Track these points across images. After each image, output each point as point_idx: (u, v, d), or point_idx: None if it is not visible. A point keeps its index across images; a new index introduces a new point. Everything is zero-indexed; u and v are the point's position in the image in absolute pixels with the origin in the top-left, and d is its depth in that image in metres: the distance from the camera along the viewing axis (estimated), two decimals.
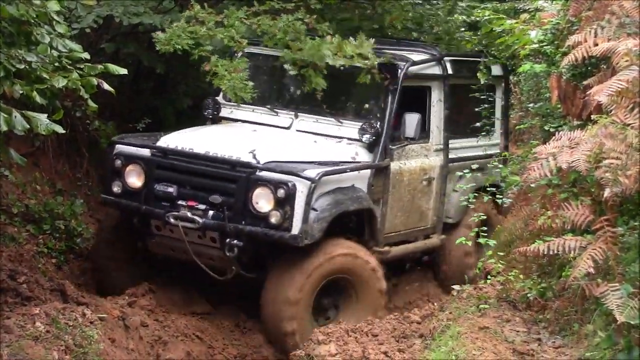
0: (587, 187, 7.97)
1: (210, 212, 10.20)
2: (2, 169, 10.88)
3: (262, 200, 10.01)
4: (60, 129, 7.90)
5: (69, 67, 7.48)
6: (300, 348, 9.72)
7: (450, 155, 12.49)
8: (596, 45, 7.93)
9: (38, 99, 7.52)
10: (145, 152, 10.69)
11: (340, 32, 12.35)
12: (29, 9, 7.06)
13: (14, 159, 7.71)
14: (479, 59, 13.15)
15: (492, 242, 10.12)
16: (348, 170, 10.70)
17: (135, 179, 10.56)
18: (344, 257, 10.40)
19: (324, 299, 10.63)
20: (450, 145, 12.48)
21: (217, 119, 12.09)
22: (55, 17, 7.36)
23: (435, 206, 12.32)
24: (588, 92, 7.89)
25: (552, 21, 9.84)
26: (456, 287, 10.22)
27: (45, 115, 7.84)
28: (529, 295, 8.70)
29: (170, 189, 10.31)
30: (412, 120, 11.28)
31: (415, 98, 11.86)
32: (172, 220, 10.19)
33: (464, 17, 15.49)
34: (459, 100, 12.75)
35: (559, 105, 9.17)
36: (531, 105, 11.71)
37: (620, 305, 6.66)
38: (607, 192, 6.94)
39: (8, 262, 9.03)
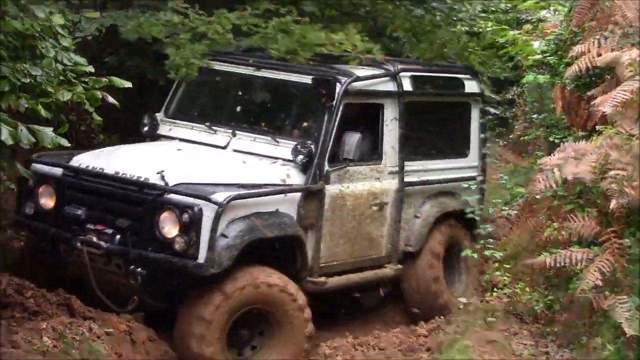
0: (593, 198, 7.95)
1: (117, 237, 9.26)
2: (8, 182, 10.86)
3: (168, 225, 9.09)
4: (65, 142, 7.88)
5: (73, 80, 7.48)
6: None
7: (412, 179, 11.43)
8: (600, 55, 7.90)
9: (43, 112, 7.52)
10: (58, 171, 9.91)
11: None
12: (33, 23, 7.08)
13: (20, 172, 7.68)
14: (445, 74, 12.31)
15: (498, 254, 10.09)
16: (265, 194, 9.64)
17: (47, 200, 9.84)
18: (260, 288, 9.29)
19: (241, 331, 9.55)
20: (412, 168, 11.40)
21: (155, 137, 11.20)
22: (60, 31, 7.37)
23: (390, 233, 11.15)
24: (592, 103, 7.87)
25: (555, 32, 9.82)
26: (462, 298, 10.22)
27: (51, 128, 7.82)
28: (536, 308, 8.68)
29: (79, 211, 9.50)
30: (352, 139, 10.28)
31: (366, 117, 11.09)
32: (78, 244, 9.37)
33: (466, 27, 15.47)
34: (423, 118, 11.75)
35: (564, 116, 9.14)
36: (535, 116, 11.64)
37: (628, 318, 6.65)
38: (613, 204, 6.92)
39: (14, 277, 9.00)
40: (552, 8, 10.65)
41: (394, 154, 11.08)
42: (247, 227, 9.20)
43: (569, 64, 8.54)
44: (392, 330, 10.58)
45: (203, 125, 10.82)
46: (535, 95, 11.19)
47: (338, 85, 10.45)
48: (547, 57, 9.85)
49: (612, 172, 6.92)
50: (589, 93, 8.39)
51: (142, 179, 9.35)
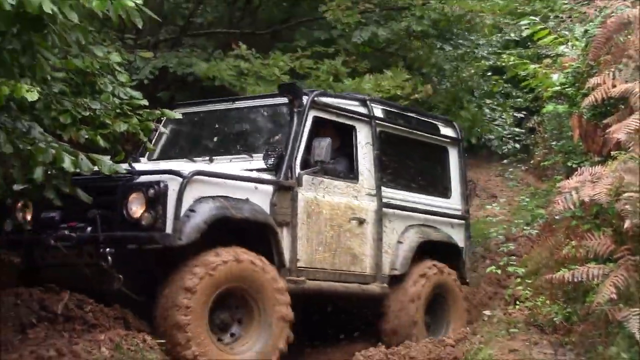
0: (608, 218, 7.93)
1: (88, 228, 8.75)
2: None
3: (135, 205, 8.64)
4: (122, 170, 8.00)
5: (129, 113, 7.54)
6: None
7: (393, 203, 11.15)
8: (614, 86, 7.92)
9: (102, 142, 7.61)
10: None
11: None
12: (93, 61, 7.15)
13: (82, 197, 7.72)
14: (418, 115, 12.11)
15: (520, 270, 10.10)
16: (232, 177, 9.27)
17: (24, 213, 9.39)
18: (242, 264, 8.92)
19: (220, 313, 9.08)
20: (393, 196, 11.15)
21: None
22: (117, 68, 7.44)
23: (373, 253, 10.77)
24: (608, 130, 7.88)
25: (572, 65, 9.81)
26: (487, 311, 10.20)
27: (108, 157, 7.94)
28: (555, 319, 8.65)
29: (54, 214, 8.99)
30: (322, 143, 9.94)
31: (342, 139, 10.83)
32: (51, 242, 8.83)
33: (490, 62, 15.51)
34: (400, 152, 11.66)
35: (581, 143, 9.14)
36: (554, 143, 11.62)
37: None
38: (627, 223, 6.93)
39: (76, 293, 9.04)
40: (570, 43, 10.64)
41: (370, 177, 10.87)
42: (215, 205, 8.90)
43: (585, 95, 8.54)
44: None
45: (183, 160, 10.43)
46: (554, 124, 11.20)
47: (305, 97, 10.28)
48: (566, 89, 9.84)
49: (626, 194, 6.92)
50: (604, 121, 8.39)
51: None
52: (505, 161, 15.59)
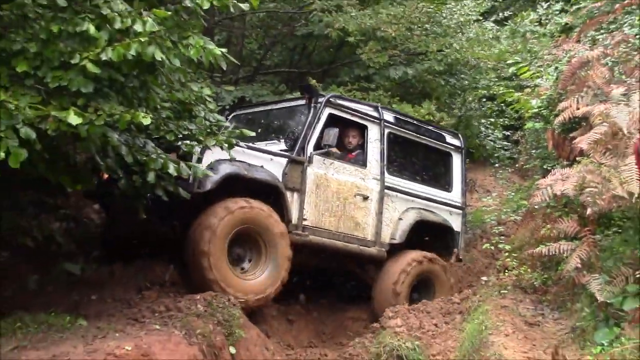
0: (574, 207, 7.90)
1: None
2: None
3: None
4: (210, 174, 8.17)
5: (216, 132, 7.59)
6: (223, 292, 8.39)
7: (402, 193, 10.88)
8: (578, 109, 7.88)
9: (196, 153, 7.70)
10: None
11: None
12: (190, 94, 7.22)
13: (182, 195, 7.77)
14: (428, 126, 11.82)
15: (508, 247, 10.05)
16: (250, 148, 9.13)
17: None
18: (246, 210, 8.73)
19: (236, 248, 8.92)
20: (398, 184, 10.89)
21: None
22: (208, 99, 7.50)
23: (375, 224, 10.55)
24: (574, 142, 7.83)
25: (546, 93, 9.77)
26: (484, 277, 10.17)
27: (201, 164, 8.02)
28: (535, 283, 8.62)
29: None
30: (331, 132, 9.84)
31: (360, 137, 10.67)
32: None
33: (485, 91, 15.46)
34: (409, 152, 11.42)
35: (554, 151, 9.10)
36: (534, 151, 11.56)
37: (599, 290, 6.63)
38: (589, 211, 6.91)
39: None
40: (544, 77, 10.58)
41: (377, 165, 10.64)
42: (229, 165, 8.67)
43: (557, 115, 8.49)
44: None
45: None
46: (533, 137, 11.13)
47: (321, 94, 10.31)
48: (542, 111, 9.80)
49: (587, 189, 6.89)
50: (571, 134, 8.34)
51: None
52: (496, 165, 15.51)
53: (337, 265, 10.80)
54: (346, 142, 10.74)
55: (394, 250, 10.84)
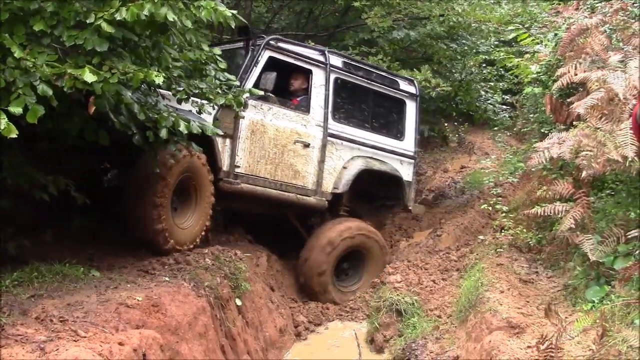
0: (570, 170, 7.95)
1: None
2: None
3: None
4: (219, 132, 8.21)
5: (226, 90, 7.58)
6: (169, 244, 7.93)
7: (348, 141, 10.39)
8: (576, 75, 7.86)
9: (207, 111, 7.70)
10: None
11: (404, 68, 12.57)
12: (201, 54, 7.20)
13: (194, 147, 7.63)
14: (381, 72, 11.31)
15: (505, 207, 10.10)
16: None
17: None
18: (188, 158, 8.06)
19: (175, 198, 8.20)
20: (344, 131, 10.37)
21: None
22: (218, 58, 7.47)
23: (315, 172, 9.97)
24: (571, 106, 7.84)
25: (545, 59, 9.75)
26: (480, 236, 10.23)
27: (211, 122, 8.09)
28: (530, 242, 8.68)
29: None
30: (268, 76, 9.21)
31: (306, 82, 10.08)
32: None
33: (486, 56, 15.40)
34: (358, 98, 10.75)
35: (551, 115, 9.09)
36: (531, 115, 11.57)
37: (592, 249, 6.65)
38: (584, 174, 6.92)
39: None
40: (543, 43, 10.55)
41: (320, 112, 10.06)
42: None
43: (555, 81, 8.48)
44: (433, 256, 10.60)
45: None
46: (532, 102, 11.11)
47: (261, 38, 9.60)
48: (540, 76, 9.79)
49: (583, 153, 6.89)
50: (568, 100, 8.34)
51: None
52: (495, 128, 15.48)
53: (278, 214, 10.23)
54: (290, 87, 10.27)
55: (337, 199, 10.39)
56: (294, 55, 9.87)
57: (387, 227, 12.81)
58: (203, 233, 8.60)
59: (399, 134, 11.26)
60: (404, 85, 11.37)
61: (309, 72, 10.11)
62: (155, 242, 7.88)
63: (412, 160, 11.34)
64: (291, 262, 10.61)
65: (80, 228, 7.89)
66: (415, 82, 11.71)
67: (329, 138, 10.17)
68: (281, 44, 9.74)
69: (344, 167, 10.37)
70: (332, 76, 10.28)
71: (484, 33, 14.76)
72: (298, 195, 9.89)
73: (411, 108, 11.40)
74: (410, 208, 11.47)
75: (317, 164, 10.03)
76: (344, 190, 10.37)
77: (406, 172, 11.20)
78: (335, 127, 10.29)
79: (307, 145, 9.90)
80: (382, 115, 11.18)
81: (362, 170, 10.53)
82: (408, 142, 11.32)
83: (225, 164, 9.02)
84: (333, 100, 10.27)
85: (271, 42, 9.61)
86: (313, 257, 10.15)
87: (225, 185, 9.04)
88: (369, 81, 10.87)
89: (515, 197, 10.87)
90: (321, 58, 10.25)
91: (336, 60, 10.47)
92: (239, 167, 9.16)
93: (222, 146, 8.96)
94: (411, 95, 11.42)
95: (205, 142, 8.20)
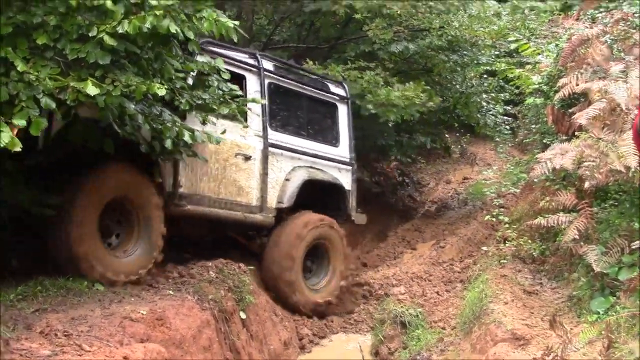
0: (572, 180, 7.94)
1: None
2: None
3: None
4: (224, 139, 8.13)
5: (229, 100, 7.56)
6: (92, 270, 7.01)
7: (288, 151, 9.71)
8: (577, 85, 7.87)
9: (210, 121, 7.72)
10: None
11: (403, 80, 12.53)
12: (203, 65, 7.22)
13: (199, 157, 7.75)
14: (310, 74, 10.72)
15: (508, 218, 10.08)
16: None
17: None
18: (129, 176, 7.49)
19: (107, 219, 7.47)
20: (281, 139, 9.64)
21: None
22: (221, 69, 7.47)
23: (259, 186, 9.24)
24: (573, 117, 7.84)
25: (547, 70, 9.75)
26: (484, 247, 10.20)
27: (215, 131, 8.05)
28: (533, 253, 8.66)
29: None
30: None
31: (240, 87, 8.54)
32: None
33: (487, 67, 15.39)
34: (293, 104, 10.08)
35: (553, 126, 9.09)
36: (533, 126, 11.56)
37: (596, 260, 6.64)
38: (586, 184, 6.91)
39: None
40: (545, 54, 10.55)
41: (258, 120, 9.28)
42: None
43: (556, 91, 8.49)
44: (437, 267, 10.56)
45: None
46: (533, 112, 11.09)
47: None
48: (542, 87, 9.79)
49: (585, 163, 6.89)
50: (570, 110, 8.34)
51: None
52: (497, 139, 15.47)
53: (222, 235, 9.59)
54: None
55: (282, 214, 9.70)
56: (225, 59, 8.47)
57: (390, 239, 12.79)
58: (152, 265, 7.75)
59: (334, 140, 10.67)
60: (334, 88, 10.85)
61: (242, 77, 9.28)
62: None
63: (350, 167, 10.71)
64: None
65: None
66: (344, 84, 11.16)
67: (269, 149, 9.47)
68: (212, 48, 8.82)
69: (287, 179, 9.70)
70: (266, 81, 9.59)
71: (481, 47, 14.76)
72: (245, 214, 9.19)
73: (343, 112, 10.81)
74: (353, 218, 10.77)
75: (259, 178, 9.32)
76: (289, 205, 9.71)
77: (345, 180, 10.58)
78: (273, 136, 9.59)
79: (248, 158, 9.15)
80: (317, 121, 10.56)
81: (306, 181, 9.92)
82: (343, 148, 10.74)
83: (168, 184, 8.18)
84: (269, 107, 9.57)
85: (202, 46, 8.44)
86: (283, 250, 9.52)
87: (172, 208, 8.21)
88: (302, 85, 10.26)
89: (517, 208, 10.84)
90: (253, 62, 9.52)
91: (268, 64, 9.76)
92: (182, 186, 8.32)
93: (164, 165, 8.03)
94: (342, 98, 10.85)
95: (148, 160, 7.61)
